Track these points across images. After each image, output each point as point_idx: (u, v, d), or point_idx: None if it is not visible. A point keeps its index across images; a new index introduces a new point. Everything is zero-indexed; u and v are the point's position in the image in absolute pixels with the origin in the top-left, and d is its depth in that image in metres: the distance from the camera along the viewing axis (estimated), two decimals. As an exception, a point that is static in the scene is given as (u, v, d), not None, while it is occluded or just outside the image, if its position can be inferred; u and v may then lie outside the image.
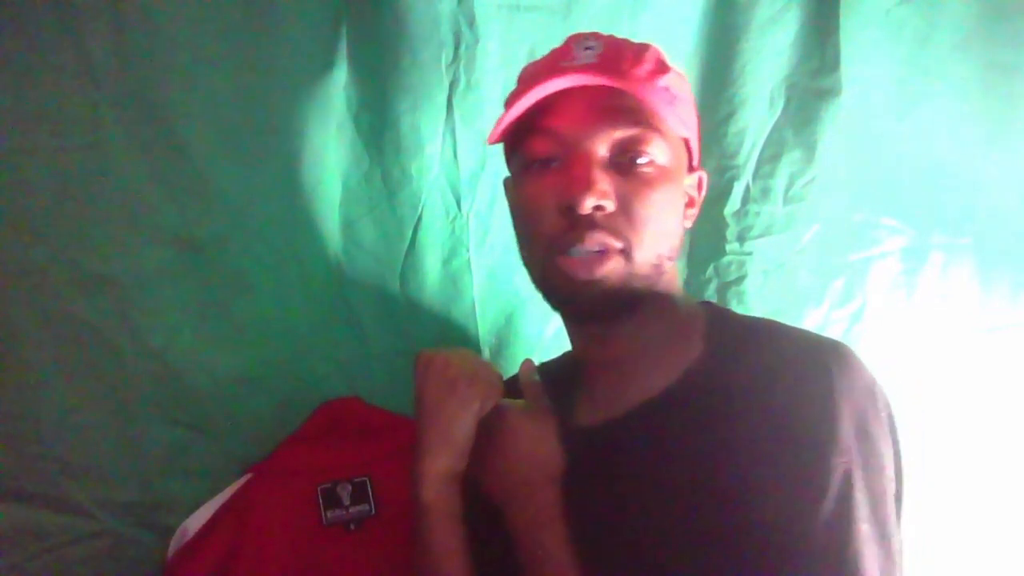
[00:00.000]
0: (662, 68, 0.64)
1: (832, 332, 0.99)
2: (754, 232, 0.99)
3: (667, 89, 0.63)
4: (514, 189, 0.68)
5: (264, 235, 0.89)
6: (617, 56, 0.63)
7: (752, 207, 0.98)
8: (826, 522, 0.51)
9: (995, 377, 0.98)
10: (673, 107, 0.63)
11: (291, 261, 0.92)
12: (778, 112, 0.97)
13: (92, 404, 0.83)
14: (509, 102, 0.64)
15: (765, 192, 0.98)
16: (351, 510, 0.86)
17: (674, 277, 0.68)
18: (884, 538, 0.53)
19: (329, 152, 0.93)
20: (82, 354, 0.82)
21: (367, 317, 0.98)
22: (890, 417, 0.59)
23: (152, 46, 0.82)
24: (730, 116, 0.98)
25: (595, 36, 0.65)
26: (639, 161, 0.61)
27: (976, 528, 0.99)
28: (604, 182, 0.59)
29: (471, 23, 0.91)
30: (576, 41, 0.65)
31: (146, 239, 0.84)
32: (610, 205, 0.59)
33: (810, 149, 0.96)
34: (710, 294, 1.01)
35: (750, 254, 0.99)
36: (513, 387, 0.72)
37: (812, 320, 0.99)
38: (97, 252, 0.82)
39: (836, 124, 0.95)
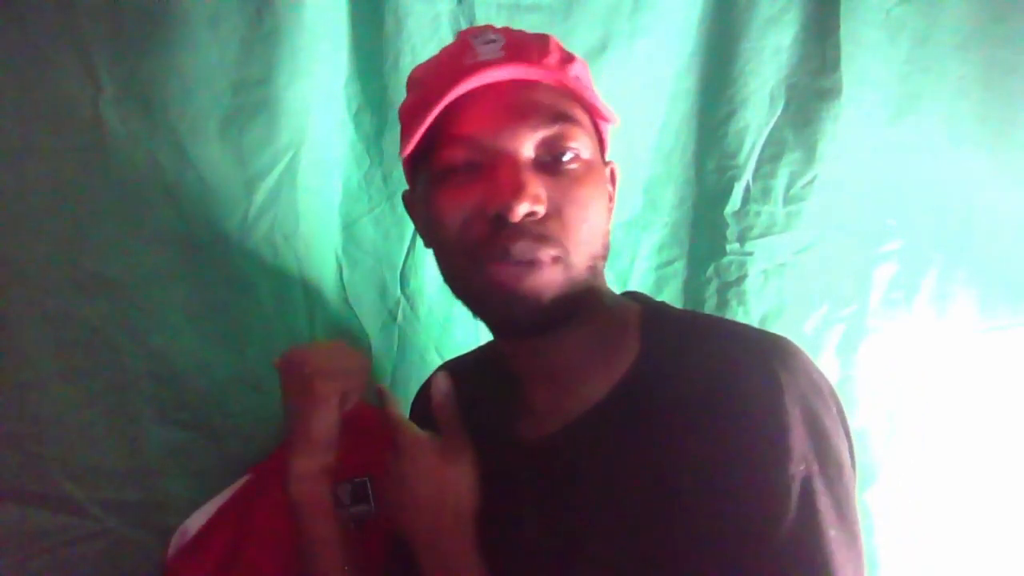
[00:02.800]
0: (568, 57, 0.60)
1: (832, 332, 0.99)
2: (754, 232, 0.99)
3: (578, 78, 0.59)
4: (425, 202, 0.61)
5: (264, 235, 0.89)
6: (523, 47, 0.58)
7: (752, 207, 0.98)
8: (791, 535, 0.48)
9: (996, 378, 0.98)
10: (593, 96, 0.59)
11: (291, 261, 0.92)
12: (778, 112, 0.97)
13: (92, 404, 0.83)
14: (413, 111, 0.59)
15: (765, 192, 0.98)
16: (351, 510, 0.86)
17: (602, 274, 0.63)
18: (852, 539, 0.50)
19: (329, 152, 0.93)
20: (82, 354, 0.82)
21: (367, 317, 0.98)
22: (840, 411, 0.56)
23: (152, 46, 0.82)
24: (730, 116, 0.98)
25: (491, 29, 0.60)
26: (564, 158, 0.56)
27: (976, 528, 0.99)
28: (536, 185, 0.54)
29: (471, 23, 0.91)
30: (472, 35, 0.59)
31: (146, 239, 0.84)
32: (542, 209, 0.54)
33: (810, 149, 0.96)
34: (710, 294, 1.01)
35: (750, 254, 0.99)
36: (426, 398, 0.70)
37: (812, 320, 0.99)
38: (97, 252, 0.82)
39: (836, 124, 0.95)
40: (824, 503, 0.49)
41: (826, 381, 0.56)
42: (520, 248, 0.54)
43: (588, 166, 0.58)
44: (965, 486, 0.99)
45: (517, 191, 0.53)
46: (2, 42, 0.77)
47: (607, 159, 0.65)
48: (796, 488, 0.49)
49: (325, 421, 0.66)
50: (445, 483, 0.63)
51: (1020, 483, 0.98)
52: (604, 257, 0.61)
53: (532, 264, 0.55)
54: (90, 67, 0.80)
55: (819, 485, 0.49)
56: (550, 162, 0.56)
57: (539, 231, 0.55)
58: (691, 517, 0.50)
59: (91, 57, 0.80)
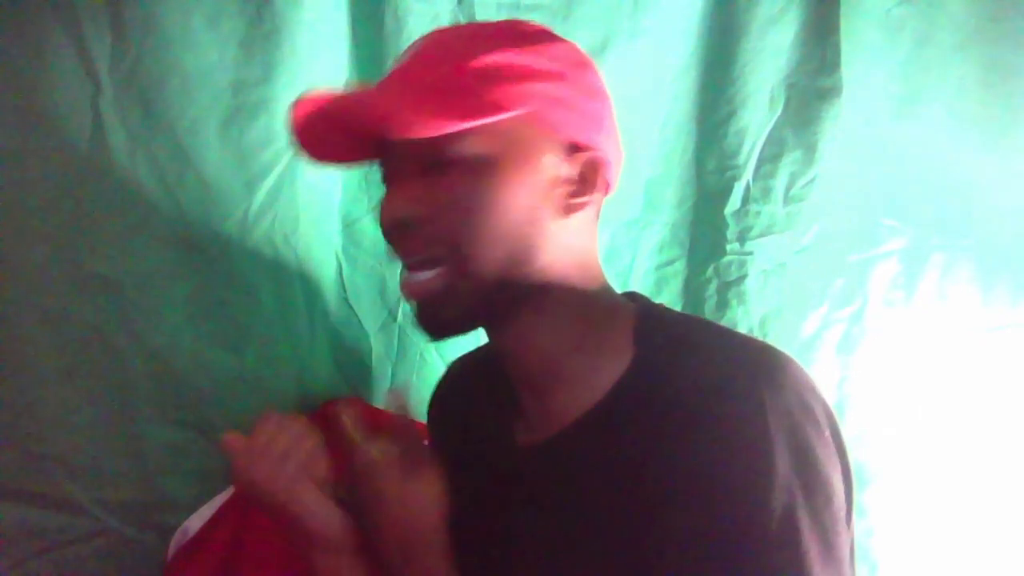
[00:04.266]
0: (492, 47, 0.56)
1: (832, 332, 0.99)
2: (754, 232, 0.99)
3: (483, 68, 0.55)
4: None
5: (264, 235, 0.89)
6: (416, 58, 0.59)
7: (752, 207, 0.98)
8: (772, 570, 0.46)
9: (995, 378, 0.98)
10: (489, 86, 0.54)
11: (291, 261, 0.92)
12: (778, 112, 0.97)
13: (92, 404, 0.83)
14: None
15: (765, 192, 0.98)
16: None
17: (598, 273, 0.62)
18: (839, 572, 0.48)
19: (329, 152, 0.93)
20: (82, 354, 0.82)
21: (367, 317, 0.98)
22: (835, 431, 0.53)
23: (152, 46, 0.82)
24: (730, 116, 0.98)
25: (433, 32, 0.62)
26: (445, 161, 0.55)
27: (976, 528, 0.99)
28: (396, 198, 0.56)
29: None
30: (410, 46, 0.61)
31: (146, 239, 0.84)
32: (414, 213, 0.55)
33: (810, 149, 0.96)
34: (710, 294, 1.01)
35: (750, 254, 0.99)
36: (439, 398, 0.70)
37: (812, 320, 0.99)
38: (97, 252, 0.82)
39: (836, 124, 0.95)
40: (808, 537, 0.46)
41: (819, 399, 0.53)
42: (407, 252, 0.57)
43: (480, 165, 0.54)
44: (965, 486, 0.99)
45: (384, 207, 0.57)
46: (2, 42, 0.77)
47: (588, 145, 0.59)
48: (777, 520, 0.46)
49: (307, 508, 0.60)
50: (407, 500, 0.61)
51: (1020, 483, 0.98)
52: (527, 259, 0.57)
53: (424, 270, 0.56)
54: (90, 67, 0.80)
55: (803, 516, 0.47)
56: (436, 165, 0.55)
57: (420, 234, 0.56)
58: (675, 541, 0.49)
59: (91, 57, 0.80)
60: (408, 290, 0.58)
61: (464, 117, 0.53)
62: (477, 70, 0.55)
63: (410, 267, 0.57)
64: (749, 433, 0.48)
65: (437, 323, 0.58)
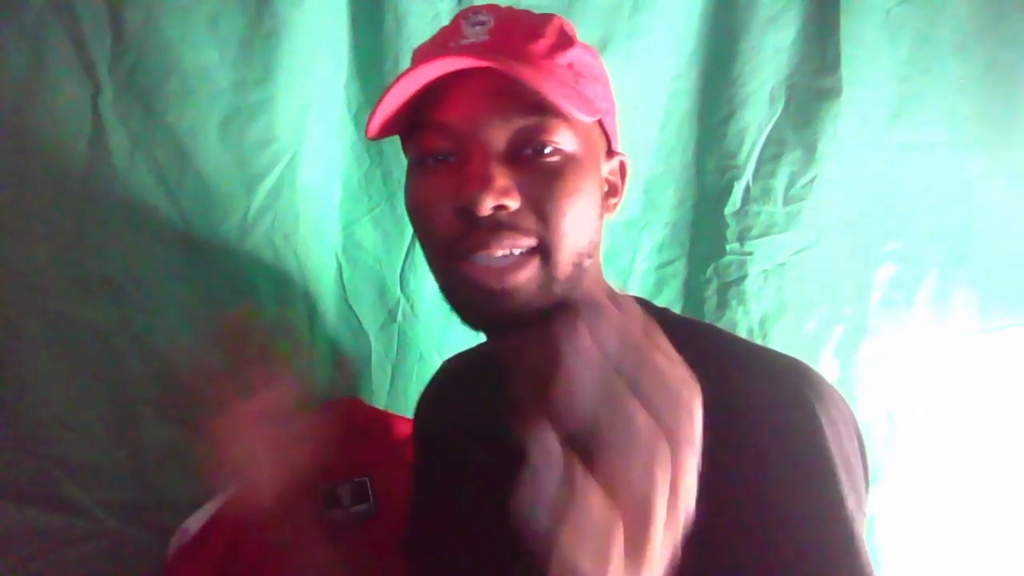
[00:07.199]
0: (564, 43, 0.56)
1: (832, 332, 0.99)
2: (754, 232, 0.99)
3: (570, 66, 0.56)
4: (406, 186, 0.59)
5: (264, 235, 0.89)
6: (510, 32, 0.55)
7: (752, 207, 0.98)
8: (840, 566, 0.46)
9: (995, 378, 0.98)
10: (576, 87, 0.55)
11: (291, 261, 0.92)
12: (778, 112, 0.97)
13: (92, 404, 0.83)
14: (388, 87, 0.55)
15: (765, 192, 0.98)
16: (351, 510, 0.86)
17: (598, 274, 0.62)
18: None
19: (329, 152, 0.93)
20: (82, 354, 0.82)
21: (367, 317, 0.98)
22: (859, 435, 0.55)
23: (152, 46, 0.82)
24: (730, 116, 0.98)
25: (488, 9, 0.57)
26: (544, 151, 0.53)
27: (977, 528, 0.99)
28: (503, 177, 0.52)
29: (471, 23, 0.91)
30: (465, 17, 0.57)
31: (146, 239, 0.84)
32: (513, 203, 0.52)
33: (810, 149, 0.96)
34: (710, 294, 1.01)
35: (750, 254, 0.99)
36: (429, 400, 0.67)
37: (812, 320, 0.99)
38: (97, 252, 0.82)
39: (836, 124, 0.95)
40: (863, 540, 0.48)
41: (847, 405, 0.55)
42: (499, 242, 0.52)
43: (571, 159, 0.55)
44: (965, 486, 0.99)
45: (483, 184, 0.51)
46: (2, 42, 0.77)
47: (616, 150, 0.63)
48: (849, 527, 0.47)
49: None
50: None
51: (1020, 483, 0.98)
52: (591, 255, 0.58)
53: (514, 260, 0.53)
54: (90, 67, 0.80)
55: (860, 520, 0.48)
56: (529, 155, 0.54)
57: (514, 223, 0.53)
58: (712, 542, 0.47)
59: (91, 57, 0.80)
60: (490, 276, 0.53)
61: (593, 110, 0.54)
62: (567, 67, 0.56)
63: (488, 256, 0.53)
64: (812, 446, 0.49)
65: (514, 314, 0.54)
